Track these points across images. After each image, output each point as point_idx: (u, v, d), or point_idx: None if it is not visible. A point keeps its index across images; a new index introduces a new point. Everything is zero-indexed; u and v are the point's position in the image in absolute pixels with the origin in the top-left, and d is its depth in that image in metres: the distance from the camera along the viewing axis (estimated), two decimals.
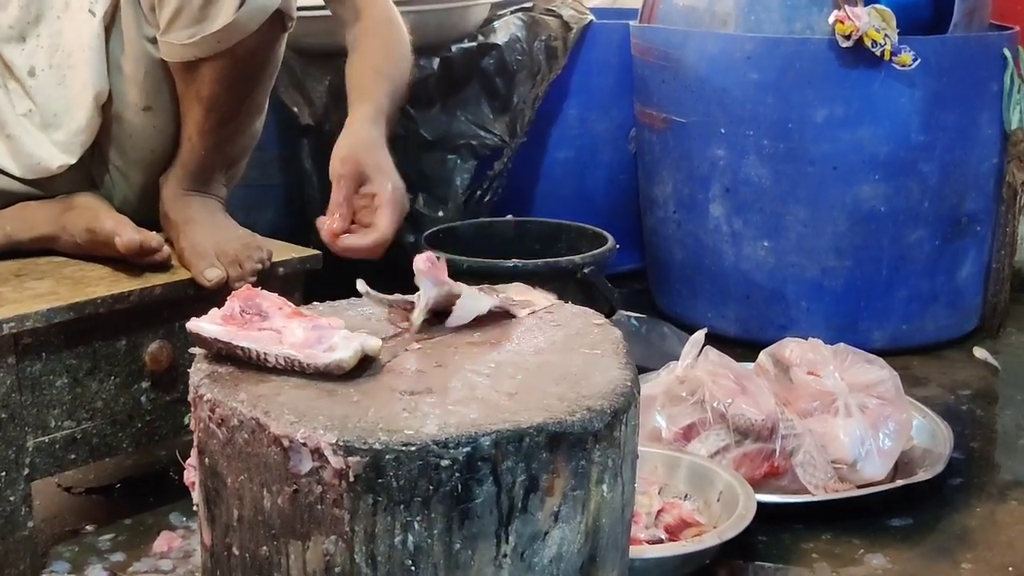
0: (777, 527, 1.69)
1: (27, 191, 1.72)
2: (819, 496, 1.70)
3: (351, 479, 0.99)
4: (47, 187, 1.72)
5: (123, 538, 1.68)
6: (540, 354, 1.18)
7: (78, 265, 1.67)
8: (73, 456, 1.58)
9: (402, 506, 1.00)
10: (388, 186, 1.55)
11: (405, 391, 1.09)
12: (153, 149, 1.74)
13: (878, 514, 1.74)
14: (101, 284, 1.59)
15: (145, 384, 1.63)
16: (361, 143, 1.60)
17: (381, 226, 1.53)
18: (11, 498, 1.51)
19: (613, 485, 1.09)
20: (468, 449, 0.99)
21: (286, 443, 1.02)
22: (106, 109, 1.70)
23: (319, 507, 1.02)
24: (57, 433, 1.55)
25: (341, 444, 0.99)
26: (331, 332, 1.13)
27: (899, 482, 1.75)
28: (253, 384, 1.11)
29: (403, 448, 0.99)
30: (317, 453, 1.00)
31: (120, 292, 1.57)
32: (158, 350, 1.63)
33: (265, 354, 1.12)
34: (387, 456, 0.98)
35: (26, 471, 1.52)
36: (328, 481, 1.00)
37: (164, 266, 1.65)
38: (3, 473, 1.50)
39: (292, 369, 1.12)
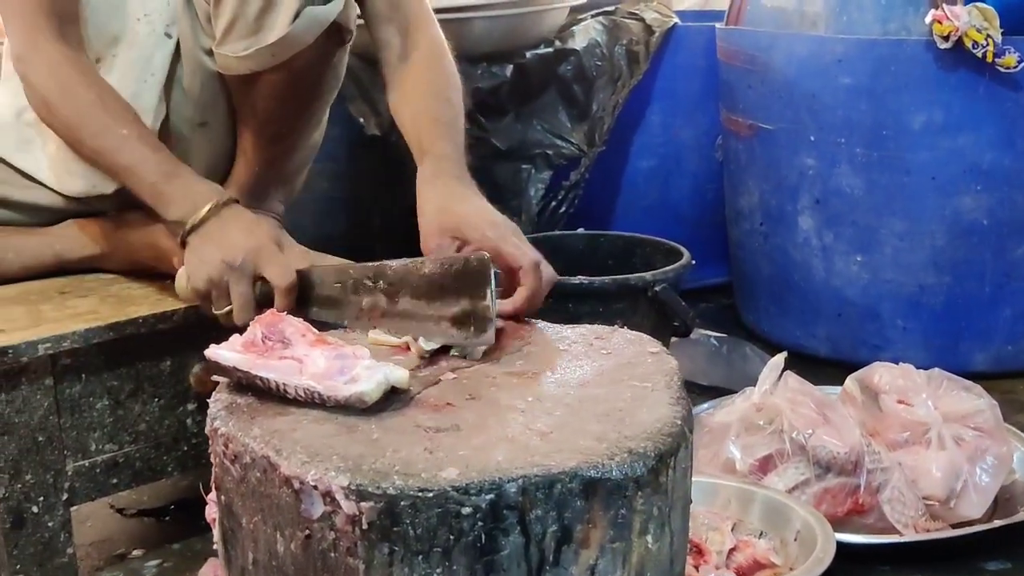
0: (861, 569, 1.58)
1: (76, 208, 1.68)
2: (908, 536, 1.59)
3: (364, 526, 0.91)
4: (98, 205, 1.67)
5: (169, 564, 1.62)
6: (584, 387, 1.09)
7: (125, 283, 1.62)
8: (115, 481, 1.53)
9: (420, 557, 0.91)
10: (527, 254, 1.31)
11: (431, 427, 1.00)
12: (208, 165, 1.69)
13: (973, 556, 1.62)
14: (145, 303, 1.54)
15: (191, 406, 1.58)
16: (445, 201, 1.39)
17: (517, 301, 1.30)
18: (50, 524, 1.46)
19: (659, 535, 0.99)
20: (492, 496, 0.90)
21: (297, 485, 0.94)
22: (162, 126, 1.65)
23: (332, 555, 0.94)
24: (98, 457, 1.50)
25: (353, 488, 0.91)
26: (354, 362, 1.05)
27: (997, 522, 1.63)
28: (270, 418, 1.03)
29: (420, 494, 0.90)
30: (329, 497, 0.92)
31: (163, 311, 1.52)
32: (204, 371, 1.57)
33: (284, 385, 1.05)
34: (402, 502, 0.90)
35: (65, 496, 1.47)
36: (341, 528, 0.93)
37: None
38: (41, 498, 1.45)
39: (313, 401, 1.04)
